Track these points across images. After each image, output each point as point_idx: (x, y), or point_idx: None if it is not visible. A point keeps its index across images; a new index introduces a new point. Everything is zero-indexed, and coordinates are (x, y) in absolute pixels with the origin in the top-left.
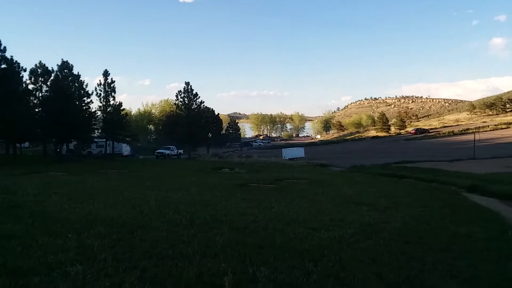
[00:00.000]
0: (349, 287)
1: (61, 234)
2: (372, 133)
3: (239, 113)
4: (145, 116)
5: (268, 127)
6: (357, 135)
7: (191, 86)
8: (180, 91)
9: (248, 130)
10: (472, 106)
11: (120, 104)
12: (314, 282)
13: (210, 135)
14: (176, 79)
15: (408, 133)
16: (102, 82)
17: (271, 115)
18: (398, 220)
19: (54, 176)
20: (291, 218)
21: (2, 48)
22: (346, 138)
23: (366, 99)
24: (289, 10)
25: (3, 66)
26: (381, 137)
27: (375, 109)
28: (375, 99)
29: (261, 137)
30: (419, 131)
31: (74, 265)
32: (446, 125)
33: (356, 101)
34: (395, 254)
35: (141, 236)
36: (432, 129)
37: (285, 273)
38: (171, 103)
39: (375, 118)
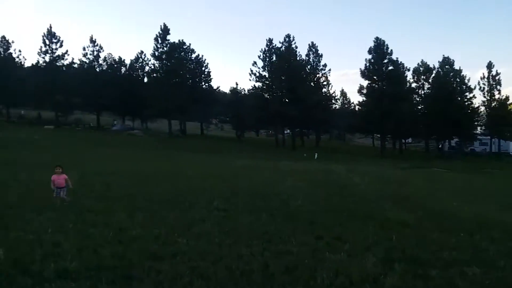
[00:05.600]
0: None
1: (452, 231)
2: None
3: None
4: None
5: None
6: None
7: None
8: None
9: None
10: None
11: (507, 98)
12: None
13: None
14: None
15: None
16: (486, 75)
17: None
18: None
19: (437, 172)
20: None
21: (389, 51)
22: None
23: None
24: None
25: (390, 68)
26: None
27: None
28: None
29: None
30: None
31: (470, 266)
32: None
33: None
34: None
35: None
36: None
37: None
38: None
39: None
